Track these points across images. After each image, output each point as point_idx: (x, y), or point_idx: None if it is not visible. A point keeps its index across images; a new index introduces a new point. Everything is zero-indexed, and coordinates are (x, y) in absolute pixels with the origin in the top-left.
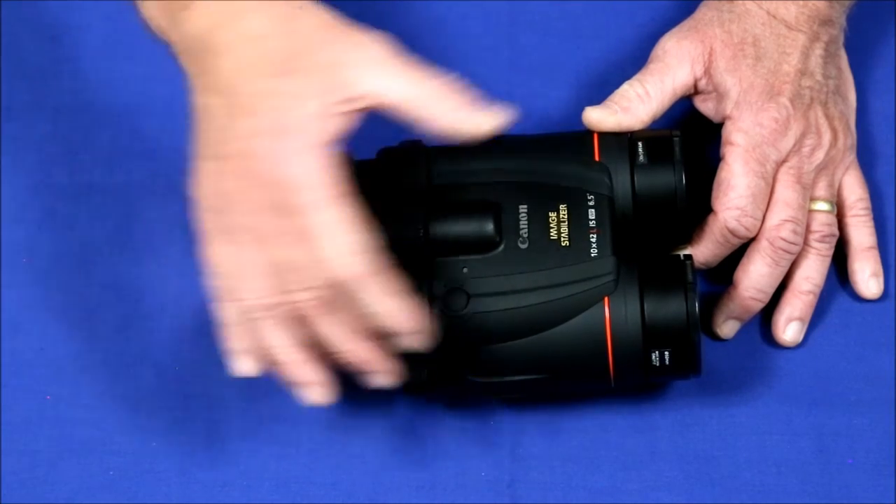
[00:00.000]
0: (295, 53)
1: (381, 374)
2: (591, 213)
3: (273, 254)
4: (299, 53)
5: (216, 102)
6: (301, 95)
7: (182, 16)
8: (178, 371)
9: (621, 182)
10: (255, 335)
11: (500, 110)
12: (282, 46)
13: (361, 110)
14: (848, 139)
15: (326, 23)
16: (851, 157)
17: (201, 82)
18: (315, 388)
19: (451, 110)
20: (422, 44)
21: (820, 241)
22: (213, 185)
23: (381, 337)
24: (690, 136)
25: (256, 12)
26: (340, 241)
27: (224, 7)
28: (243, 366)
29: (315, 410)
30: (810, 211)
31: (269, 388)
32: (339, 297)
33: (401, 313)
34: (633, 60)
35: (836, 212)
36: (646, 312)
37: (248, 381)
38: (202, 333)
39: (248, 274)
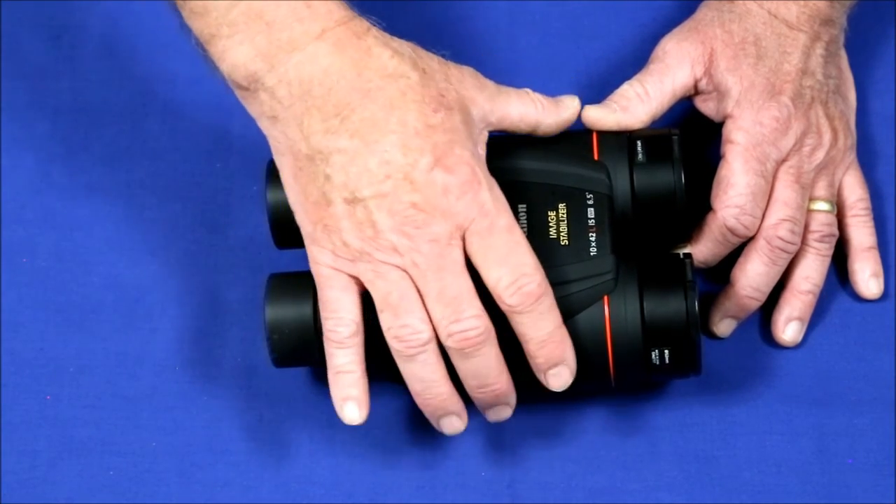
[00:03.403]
0: (436, 90)
1: (509, 404)
2: (591, 212)
3: (443, 283)
4: (439, 90)
5: (354, 144)
6: (458, 130)
7: (292, 59)
8: (178, 371)
9: (620, 181)
10: (406, 372)
11: (571, 96)
12: (422, 83)
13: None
14: (848, 139)
15: (441, 60)
16: (851, 157)
17: (326, 126)
18: (457, 417)
19: (550, 112)
20: (422, 44)
21: (819, 241)
22: (359, 227)
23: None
24: (690, 136)
25: (384, 49)
26: (528, 261)
27: (347, 45)
28: (354, 413)
29: (314, 410)
30: (810, 211)
31: (269, 388)
32: (518, 318)
33: (564, 339)
34: (633, 60)
35: (835, 212)
36: (645, 311)
37: (248, 382)
38: (202, 333)
39: (410, 307)
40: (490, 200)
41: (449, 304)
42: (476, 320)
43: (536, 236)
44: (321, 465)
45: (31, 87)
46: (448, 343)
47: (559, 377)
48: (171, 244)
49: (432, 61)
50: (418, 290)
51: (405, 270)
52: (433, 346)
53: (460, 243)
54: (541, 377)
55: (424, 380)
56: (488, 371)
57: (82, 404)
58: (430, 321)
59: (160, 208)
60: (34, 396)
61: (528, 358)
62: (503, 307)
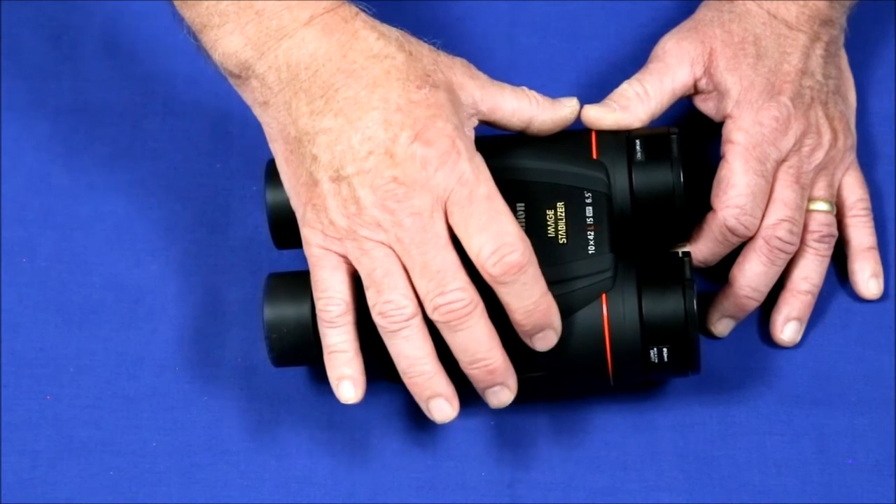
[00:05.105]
0: (421, 70)
1: (508, 387)
2: (589, 211)
3: (427, 257)
4: (425, 70)
5: (339, 123)
6: (442, 106)
7: (282, 45)
8: (178, 371)
9: (619, 180)
10: (391, 350)
11: (569, 97)
12: (407, 63)
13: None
14: (848, 139)
15: (432, 47)
16: (851, 158)
17: (312, 107)
18: (446, 402)
19: (545, 109)
20: None
21: (819, 242)
22: (344, 204)
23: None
24: (690, 136)
25: (371, 32)
26: (510, 229)
27: (335, 29)
28: (350, 392)
29: (314, 410)
30: (810, 211)
31: (269, 388)
32: (503, 289)
33: (550, 306)
34: (633, 60)
35: (835, 212)
36: (644, 309)
37: (248, 382)
38: (202, 333)
39: (394, 283)
40: (469, 170)
41: (433, 277)
42: (461, 292)
43: (535, 235)
44: (321, 465)
45: (31, 87)
46: (435, 317)
47: (545, 339)
48: (171, 244)
49: (422, 47)
50: (404, 267)
51: (390, 247)
52: (417, 322)
53: (443, 216)
54: (527, 341)
55: (409, 356)
56: (478, 344)
57: (82, 404)
58: (417, 297)
59: (160, 208)
60: (34, 396)
61: (514, 325)
62: (487, 278)
